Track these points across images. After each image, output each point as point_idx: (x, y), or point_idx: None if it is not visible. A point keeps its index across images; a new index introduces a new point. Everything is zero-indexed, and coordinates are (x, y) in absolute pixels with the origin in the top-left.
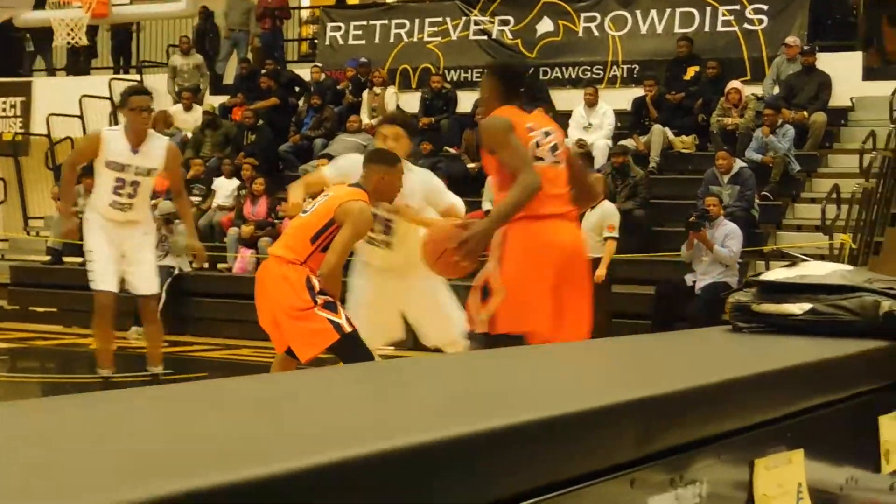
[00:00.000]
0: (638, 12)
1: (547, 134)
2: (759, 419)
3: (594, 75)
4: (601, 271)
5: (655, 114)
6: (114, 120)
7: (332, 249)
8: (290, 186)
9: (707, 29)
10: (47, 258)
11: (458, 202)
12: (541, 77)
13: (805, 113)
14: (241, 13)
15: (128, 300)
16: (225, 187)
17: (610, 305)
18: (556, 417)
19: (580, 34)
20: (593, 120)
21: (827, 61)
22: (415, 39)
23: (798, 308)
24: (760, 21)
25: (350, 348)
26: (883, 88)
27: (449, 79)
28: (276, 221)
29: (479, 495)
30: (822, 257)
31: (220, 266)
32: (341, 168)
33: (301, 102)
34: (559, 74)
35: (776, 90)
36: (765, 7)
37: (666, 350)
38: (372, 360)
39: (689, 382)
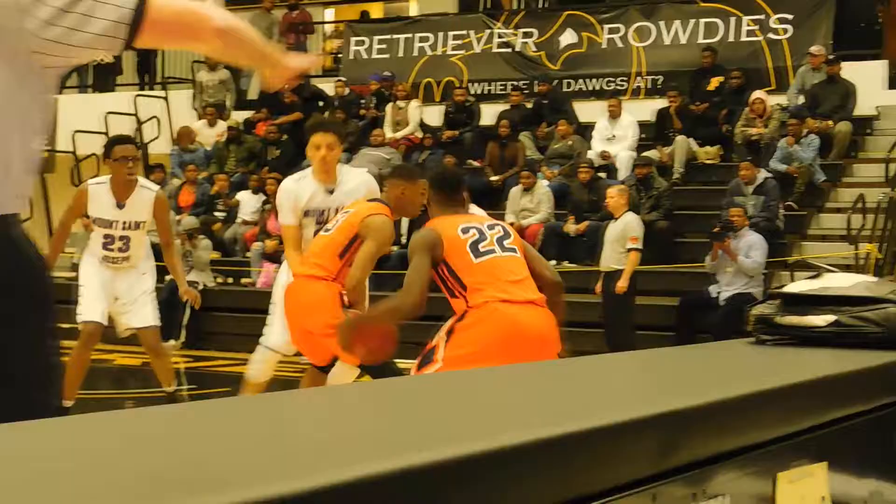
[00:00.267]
0: (661, 23)
1: (491, 227)
2: (782, 432)
3: (617, 87)
4: (623, 283)
5: (679, 125)
6: (139, 138)
7: (356, 264)
8: (287, 258)
9: (731, 39)
10: (73, 275)
11: None
12: (564, 89)
13: (829, 122)
14: (265, 28)
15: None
16: (249, 202)
17: (633, 317)
18: (578, 432)
19: (603, 45)
20: (616, 131)
21: (851, 70)
22: (438, 53)
23: (821, 320)
24: (784, 30)
25: (381, 365)
26: None
27: (472, 92)
28: None
29: None
30: (847, 267)
31: (243, 281)
32: (285, 203)
33: (325, 117)
34: (582, 86)
35: (800, 100)
36: (789, 16)
37: (689, 363)
38: (397, 370)
39: (712, 396)
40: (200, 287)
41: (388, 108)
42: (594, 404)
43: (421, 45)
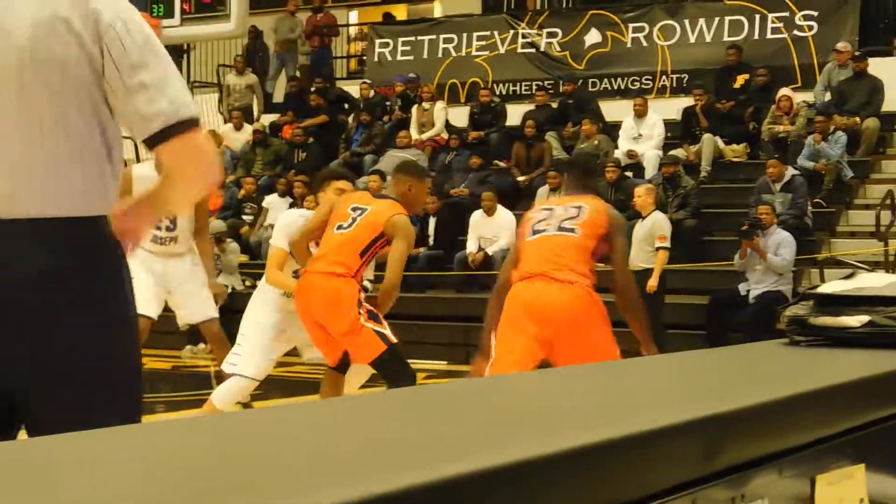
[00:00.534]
0: (686, 21)
1: (566, 209)
2: (819, 434)
3: (643, 85)
4: (653, 282)
5: (705, 123)
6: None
7: (393, 266)
8: (271, 280)
9: (756, 36)
10: None
11: None
12: (589, 89)
13: (857, 119)
14: (290, 31)
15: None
16: (277, 206)
17: (662, 316)
18: (621, 438)
19: (628, 45)
20: (643, 130)
21: (878, 66)
22: (463, 54)
23: (856, 321)
24: (810, 27)
25: (390, 359)
26: None
27: (497, 92)
28: None
29: None
30: (876, 264)
31: None
32: (284, 229)
33: (350, 119)
34: (608, 85)
35: (827, 96)
36: (814, 13)
37: (724, 365)
38: (411, 374)
39: (751, 399)
40: (230, 290)
41: (414, 109)
42: (633, 408)
43: (445, 46)
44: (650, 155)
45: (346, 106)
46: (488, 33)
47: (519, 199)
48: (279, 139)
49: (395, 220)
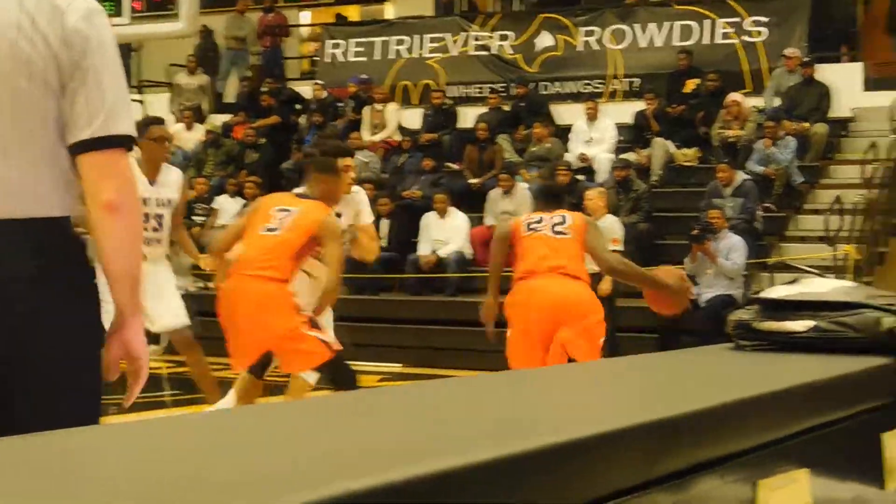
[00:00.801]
0: (637, 26)
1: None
2: (763, 439)
3: (595, 89)
4: (606, 285)
5: (657, 127)
6: None
7: (331, 268)
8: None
9: (706, 41)
10: None
11: None
12: (541, 92)
13: (806, 124)
14: (241, 31)
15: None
16: (228, 206)
17: (615, 320)
18: (558, 445)
19: (580, 48)
20: (595, 134)
21: (827, 72)
22: (415, 56)
23: (801, 325)
24: (760, 33)
25: (337, 365)
26: (883, 98)
27: (450, 95)
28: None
29: None
30: (826, 268)
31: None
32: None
33: (302, 120)
34: (560, 89)
35: (777, 102)
36: (764, 19)
37: (668, 371)
38: (354, 377)
39: (693, 405)
40: (182, 292)
41: (366, 111)
42: (573, 416)
43: (398, 47)
44: (602, 158)
45: (299, 107)
46: (440, 35)
47: (471, 202)
48: (231, 139)
49: (325, 222)
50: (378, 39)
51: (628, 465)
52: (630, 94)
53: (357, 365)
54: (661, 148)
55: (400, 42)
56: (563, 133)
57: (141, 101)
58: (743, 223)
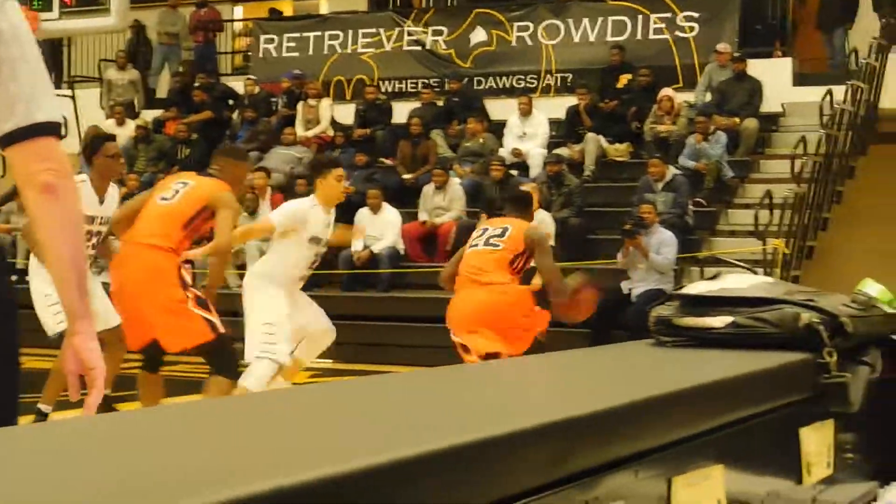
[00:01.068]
0: (570, 21)
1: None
2: (678, 436)
3: (528, 84)
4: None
5: (589, 122)
6: None
7: (220, 231)
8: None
9: (639, 37)
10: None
11: None
12: (475, 87)
13: (737, 119)
14: (173, 26)
15: None
16: None
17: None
18: (459, 446)
19: (513, 43)
20: (528, 129)
21: (757, 67)
22: (349, 51)
23: (719, 321)
24: (692, 28)
25: (221, 349)
26: (813, 94)
27: (383, 90)
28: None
29: None
30: (755, 262)
31: None
32: (294, 214)
33: (235, 115)
34: (493, 84)
35: (708, 97)
36: (696, 14)
37: (584, 367)
38: (236, 364)
39: (606, 402)
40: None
41: (300, 106)
42: (483, 414)
43: (331, 42)
44: (535, 153)
45: (231, 102)
46: (374, 30)
47: (405, 197)
48: (163, 135)
49: (221, 194)
50: (311, 34)
51: (535, 463)
52: (563, 90)
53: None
54: (594, 143)
55: (333, 37)
56: (496, 128)
57: (72, 97)
58: (674, 218)
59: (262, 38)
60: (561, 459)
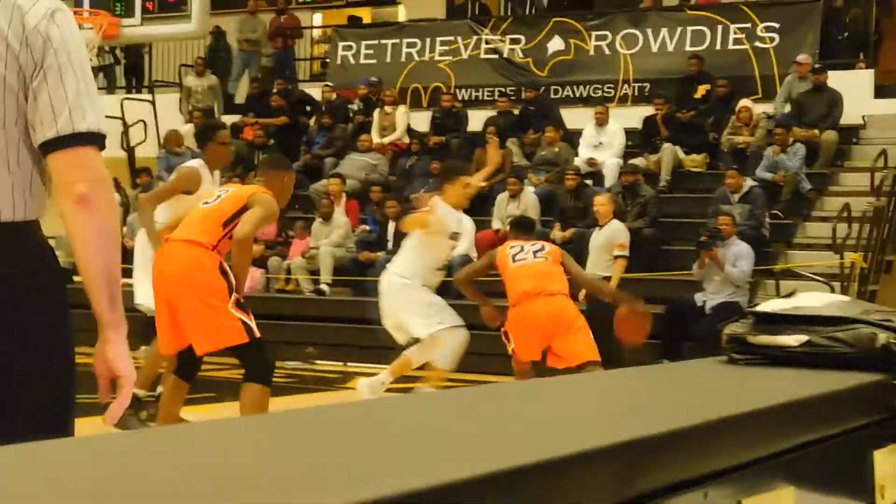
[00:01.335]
0: (649, 30)
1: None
2: (749, 457)
3: (605, 94)
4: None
5: (666, 132)
6: (126, 141)
7: (245, 220)
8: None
9: (718, 47)
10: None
11: None
12: (551, 96)
13: (816, 131)
14: (252, 32)
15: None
16: None
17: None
18: (526, 466)
19: (591, 52)
20: (603, 139)
21: (838, 79)
22: (426, 59)
23: (794, 340)
24: (772, 39)
25: (255, 353)
26: (894, 106)
27: (460, 98)
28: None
29: None
30: (832, 276)
31: None
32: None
33: (311, 122)
34: (570, 93)
35: (787, 108)
36: (776, 25)
37: (656, 386)
38: (270, 371)
39: (676, 423)
40: None
41: (376, 113)
42: (552, 432)
43: (408, 50)
44: (610, 163)
45: (308, 108)
46: (452, 38)
47: (479, 205)
48: (240, 140)
49: (262, 195)
50: (389, 42)
51: (603, 483)
52: (639, 99)
53: (358, 367)
54: (670, 153)
55: (411, 45)
56: (572, 137)
57: (152, 102)
58: (750, 230)
59: (341, 45)
60: (629, 479)
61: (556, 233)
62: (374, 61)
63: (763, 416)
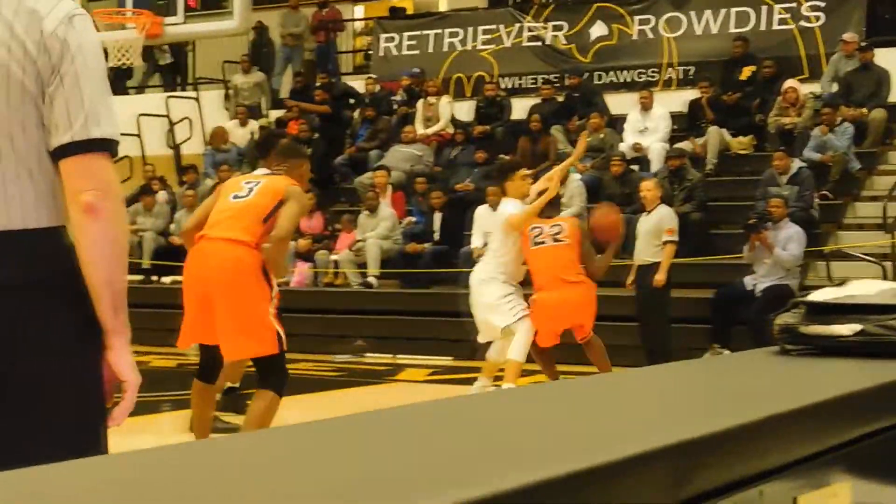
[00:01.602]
0: (692, 13)
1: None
2: (804, 452)
3: (649, 78)
4: (661, 276)
5: (711, 115)
6: (171, 139)
7: (283, 220)
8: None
9: (762, 28)
10: None
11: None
12: (595, 82)
13: (864, 110)
14: (295, 26)
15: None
16: None
17: (669, 311)
18: (579, 472)
19: (634, 37)
20: (649, 123)
21: (885, 57)
22: (468, 48)
23: (847, 329)
24: (817, 18)
25: (279, 363)
26: None
27: (503, 86)
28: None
29: None
30: (884, 256)
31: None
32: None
33: (355, 114)
34: (614, 78)
35: (834, 87)
36: (821, 4)
37: (707, 381)
38: (285, 383)
39: (731, 421)
40: None
41: (419, 104)
42: (601, 435)
43: (451, 40)
44: (656, 148)
45: (352, 101)
46: (494, 27)
47: None
48: (285, 135)
49: (295, 189)
50: (431, 32)
51: (658, 484)
52: (684, 83)
53: (408, 359)
54: (716, 136)
55: (453, 35)
56: (616, 123)
57: (197, 99)
58: (799, 211)
59: (383, 36)
60: (685, 480)
61: None
62: (416, 52)
63: (818, 410)
